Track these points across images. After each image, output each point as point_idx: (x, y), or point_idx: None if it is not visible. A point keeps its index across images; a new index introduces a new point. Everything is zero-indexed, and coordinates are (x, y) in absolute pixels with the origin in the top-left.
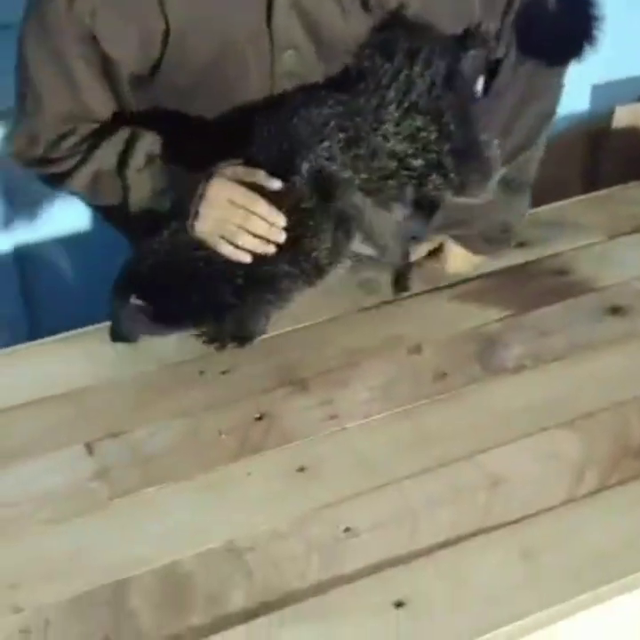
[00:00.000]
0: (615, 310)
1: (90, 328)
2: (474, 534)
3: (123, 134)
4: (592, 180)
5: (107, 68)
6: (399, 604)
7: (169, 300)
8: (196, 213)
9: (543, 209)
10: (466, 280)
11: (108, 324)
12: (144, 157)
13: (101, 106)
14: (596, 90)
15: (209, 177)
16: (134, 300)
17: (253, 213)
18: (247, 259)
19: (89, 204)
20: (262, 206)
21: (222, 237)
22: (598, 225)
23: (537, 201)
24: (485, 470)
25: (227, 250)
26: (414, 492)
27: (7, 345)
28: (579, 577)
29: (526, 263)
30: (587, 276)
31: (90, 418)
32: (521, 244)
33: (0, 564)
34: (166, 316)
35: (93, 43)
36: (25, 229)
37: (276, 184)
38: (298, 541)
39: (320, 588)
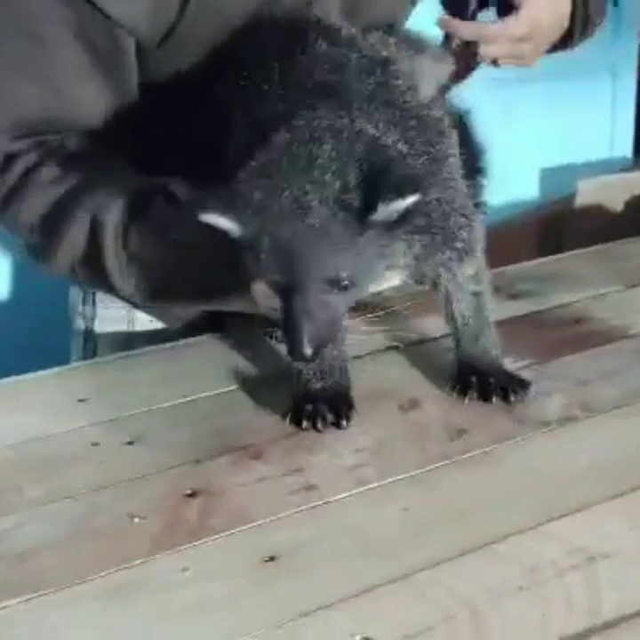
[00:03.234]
0: None
1: None
2: None
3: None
4: None
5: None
6: None
7: None
8: None
9: (540, 261)
10: None
11: None
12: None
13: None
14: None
15: None
16: None
17: None
18: None
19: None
20: None
21: None
22: (607, 276)
23: None
24: (560, 544)
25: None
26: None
27: None
28: None
29: (537, 312)
30: (609, 325)
31: None
32: (515, 297)
33: None
34: None
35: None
36: None
37: None
38: None
39: None
